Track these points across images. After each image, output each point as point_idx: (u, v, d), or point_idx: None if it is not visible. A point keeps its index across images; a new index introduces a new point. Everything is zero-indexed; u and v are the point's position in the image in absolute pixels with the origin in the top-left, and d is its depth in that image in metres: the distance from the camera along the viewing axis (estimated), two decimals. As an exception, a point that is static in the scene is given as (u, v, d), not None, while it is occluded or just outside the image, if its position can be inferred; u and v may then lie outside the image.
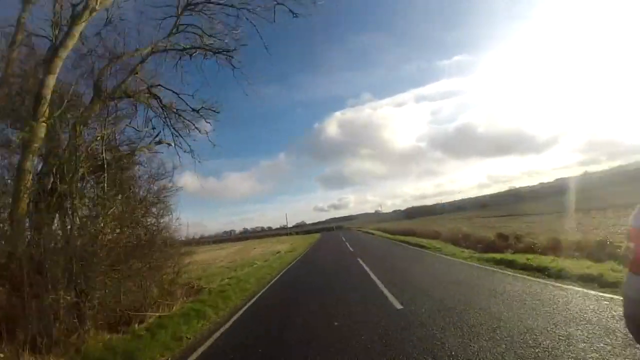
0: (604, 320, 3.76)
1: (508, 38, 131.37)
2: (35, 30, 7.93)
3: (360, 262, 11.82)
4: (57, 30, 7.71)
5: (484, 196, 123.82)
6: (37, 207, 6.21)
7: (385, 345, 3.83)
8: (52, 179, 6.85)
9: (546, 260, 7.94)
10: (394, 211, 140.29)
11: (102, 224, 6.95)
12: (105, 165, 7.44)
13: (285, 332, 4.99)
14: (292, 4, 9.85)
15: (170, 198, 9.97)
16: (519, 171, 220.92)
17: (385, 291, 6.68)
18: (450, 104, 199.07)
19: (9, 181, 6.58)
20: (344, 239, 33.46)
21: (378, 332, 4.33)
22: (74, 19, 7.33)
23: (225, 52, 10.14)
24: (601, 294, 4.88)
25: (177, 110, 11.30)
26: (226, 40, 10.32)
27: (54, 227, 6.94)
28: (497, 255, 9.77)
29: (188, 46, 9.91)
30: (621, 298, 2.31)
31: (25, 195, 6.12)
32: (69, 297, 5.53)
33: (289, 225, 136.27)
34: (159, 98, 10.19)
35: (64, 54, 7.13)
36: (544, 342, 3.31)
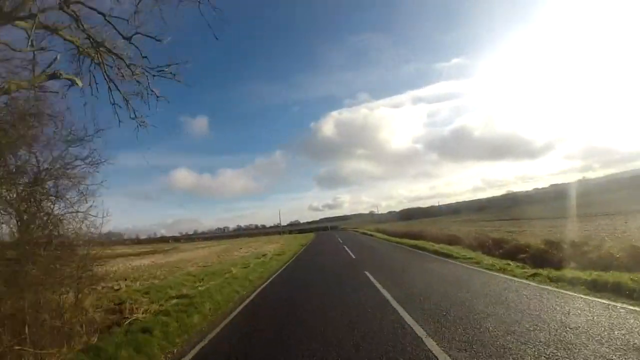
0: None
1: (507, 43, 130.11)
2: None
3: (373, 280, 8.08)
4: None
5: (480, 199, 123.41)
6: None
7: None
8: None
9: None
10: (389, 212, 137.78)
11: None
12: None
13: None
14: None
15: (88, 174, 6.44)
16: (513, 176, 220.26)
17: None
18: (447, 106, 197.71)
19: None
20: (340, 241, 29.91)
21: None
22: None
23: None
24: None
25: (115, 51, 7.86)
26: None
27: None
28: (583, 275, 6.49)
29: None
30: None
31: None
32: None
33: (283, 224, 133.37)
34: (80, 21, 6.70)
35: None
36: None
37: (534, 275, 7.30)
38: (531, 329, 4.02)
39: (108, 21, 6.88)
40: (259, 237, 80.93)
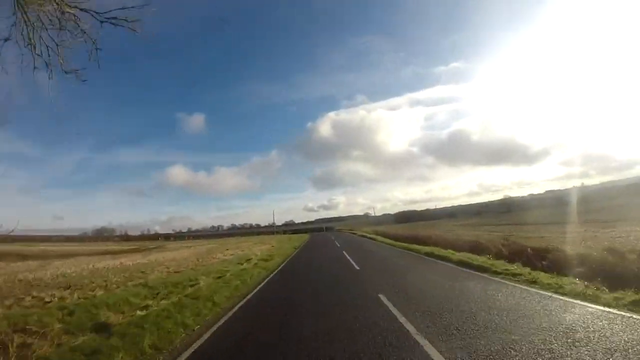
0: None
1: (506, 48, 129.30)
2: None
3: (396, 313, 5.26)
4: None
5: (476, 204, 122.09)
6: None
7: None
8: None
9: None
10: (384, 215, 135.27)
11: None
12: None
13: None
14: None
15: None
16: (509, 181, 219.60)
17: None
18: (444, 110, 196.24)
19: None
20: (337, 244, 26.53)
21: None
22: None
23: None
24: None
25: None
26: None
27: None
28: None
29: None
30: None
31: None
32: None
33: (278, 224, 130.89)
34: None
35: None
36: None
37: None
38: None
39: None
40: (251, 237, 77.96)
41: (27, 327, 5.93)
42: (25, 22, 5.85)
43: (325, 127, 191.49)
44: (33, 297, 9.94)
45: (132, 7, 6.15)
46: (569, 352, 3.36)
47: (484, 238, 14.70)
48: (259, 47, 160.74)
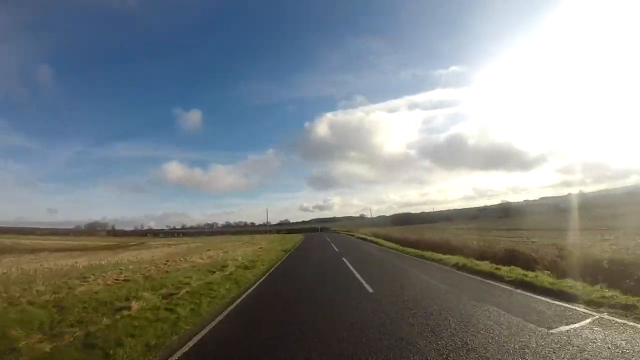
0: None
1: (506, 54, 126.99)
2: None
3: None
4: None
5: (473, 208, 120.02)
6: None
7: None
8: None
9: None
10: (380, 216, 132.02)
11: None
12: None
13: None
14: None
15: None
16: (504, 186, 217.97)
17: None
18: (443, 113, 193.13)
19: None
20: (336, 249, 22.17)
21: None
22: None
23: None
24: None
25: None
26: None
27: None
28: None
29: None
30: None
31: None
32: None
33: (273, 223, 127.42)
34: None
35: None
36: None
37: None
38: None
39: None
40: (242, 236, 74.63)
41: None
42: None
43: (323, 127, 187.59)
44: None
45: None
46: None
47: (521, 246, 11.74)
48: (258, 45, 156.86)
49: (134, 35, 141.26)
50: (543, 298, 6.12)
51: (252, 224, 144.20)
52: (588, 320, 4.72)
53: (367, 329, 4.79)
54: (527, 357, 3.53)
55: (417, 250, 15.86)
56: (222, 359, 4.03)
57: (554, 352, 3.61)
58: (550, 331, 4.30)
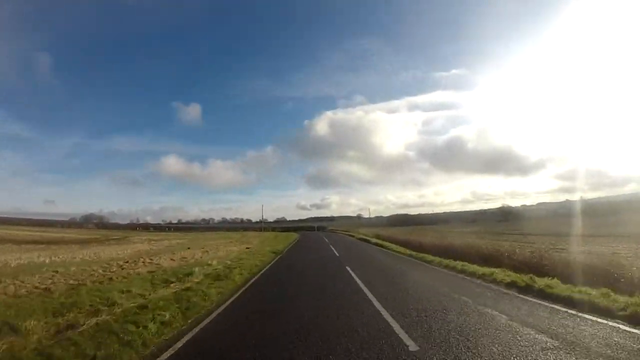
0: None
1: (508, 59, 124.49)
2: None
3: None
4: None
5: (471, 211, 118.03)
6: None
7: None
8: None
9: None
10: (377, 217, 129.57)
11: None
12: None
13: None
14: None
15: None
16: (502, 191, 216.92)
17: None
18: (443, 116, 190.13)
19: None
20: (336, 253, 19.02)
21: None
22: None
23: None
24: None
25: None
26: None
27: None
28: None
29: None
30: None
31: None
32: None
33: (270, 220, 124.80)
34: None
35: None
36: None
37: None
38: None
39: None
40: (234, 233, 71.81)
41: None
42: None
43: (322, 125, 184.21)
44: None
45: None
46: None
47: (532, 247, 9.03)
48: (259, 43, 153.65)
49: (135, 28, 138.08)
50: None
51: (249, 220, 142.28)
52: None
53: None
54: None
55: (440, 259, 12.77)
56: None
57: None
58: None
